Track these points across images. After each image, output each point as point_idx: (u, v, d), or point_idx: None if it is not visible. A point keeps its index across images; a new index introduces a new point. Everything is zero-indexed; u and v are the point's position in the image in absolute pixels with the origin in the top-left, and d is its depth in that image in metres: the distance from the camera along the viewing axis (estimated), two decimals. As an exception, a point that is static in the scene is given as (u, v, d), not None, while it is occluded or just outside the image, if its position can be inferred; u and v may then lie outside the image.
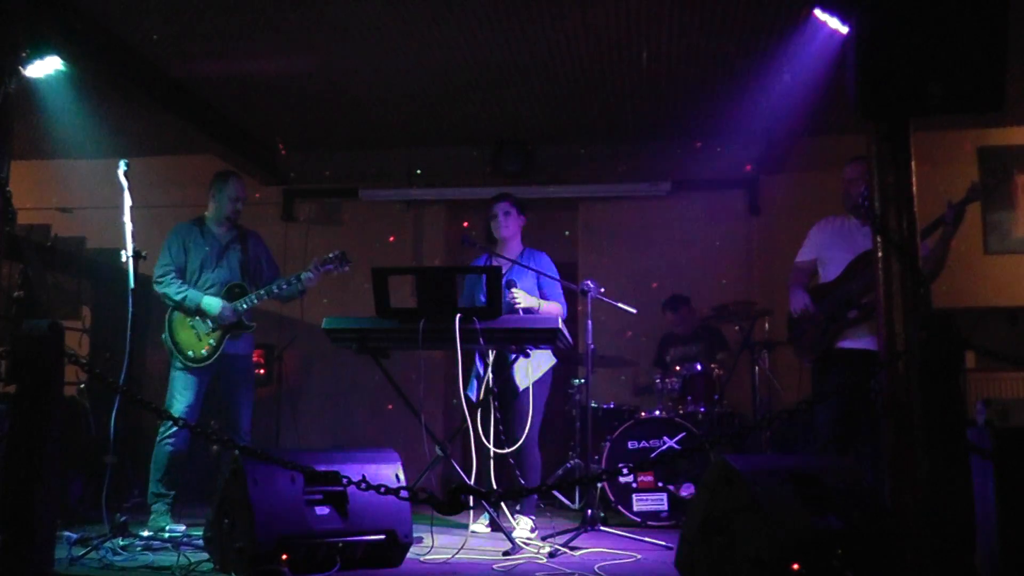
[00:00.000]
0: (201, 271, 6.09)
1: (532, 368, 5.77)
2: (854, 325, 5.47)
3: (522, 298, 5.72)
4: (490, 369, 5.60)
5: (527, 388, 5.71)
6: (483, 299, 5.67)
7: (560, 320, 4.99)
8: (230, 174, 6.36)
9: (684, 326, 8.09)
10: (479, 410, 5.59)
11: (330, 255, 6.06)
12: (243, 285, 6.07)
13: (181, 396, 5.91)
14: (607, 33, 6.71)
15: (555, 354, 5.90)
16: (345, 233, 9.38)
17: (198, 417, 6.02)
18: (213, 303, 5.95)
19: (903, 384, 3.82)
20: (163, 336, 6.02)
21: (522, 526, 5.66)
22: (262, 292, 6.00)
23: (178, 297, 5.97)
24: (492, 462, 5.49)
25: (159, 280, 6.04)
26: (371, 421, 8.78)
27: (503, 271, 5.80)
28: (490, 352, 5.61)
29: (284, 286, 6.03)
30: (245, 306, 5.99)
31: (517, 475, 5.64)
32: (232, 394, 6.09)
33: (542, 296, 5.91)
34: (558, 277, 5.99)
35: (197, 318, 5.97)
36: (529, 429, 5.68)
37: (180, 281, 6.03)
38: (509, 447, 5.57)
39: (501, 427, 5.57)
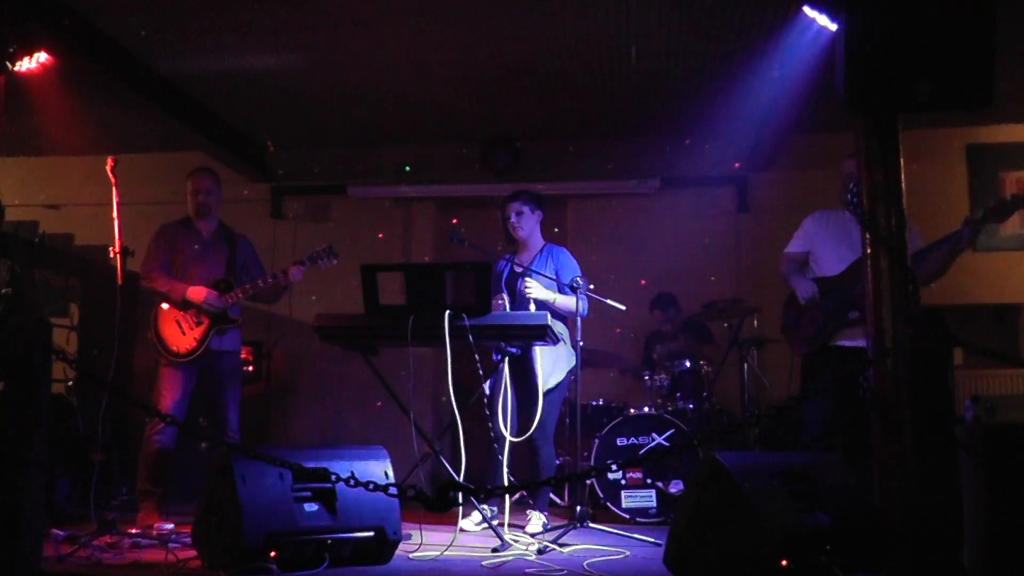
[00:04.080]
0: (187, 267, 6.12)
1: (556, 368, 5.79)
2: (853, 325, 5.46)
3: (535, 289, 5.72)
4: (506, 364, 5.61)
5: (549, 390, 5.73)
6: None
7: (549, 316, 5.00)
8: (194, 170, 6.42)
9: (672, 324, 8.11)
10: (493, 403, 5.61)
11: (317, 249, 6.09)
12: (229, 280, 6.07)
13: (168, 392, 5.92)
14: (596, 30, 6.71)
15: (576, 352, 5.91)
16: (334, 230, 9.35)
17: (186, 413, 6.02)
18: (197, 291, 5.97)
19: (891, 380, 3.83)
20: (148, 334, 6.03)
21: (534, 522, 5.67)
22: (248, 287, 6.01)
23: (164, 289, 6.00)
24: (506, 456, 5.49)
25: (146, 276, 6.08)
26: (360, 418, 8.76)
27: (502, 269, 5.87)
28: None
29: (270, 280, 6.02)
30: (230, 300, 5.99)
31: (507, 472, 5.64)
32: (219, 391, 6.09)
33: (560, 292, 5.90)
34: (576, 272, 5.97)
35: (182, 313, 6.00)
36: (544, 428, 5.71)
37: (166, 275, 6.07)
38: (522, 443, 5.63)
39: (517, 423, 5.63)
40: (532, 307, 5.70)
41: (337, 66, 7.40)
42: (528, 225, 6.06)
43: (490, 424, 5.55)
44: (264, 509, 3.97)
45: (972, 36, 3.82)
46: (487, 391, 5.80)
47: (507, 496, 5.39)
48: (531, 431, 5.62)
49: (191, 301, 5.97)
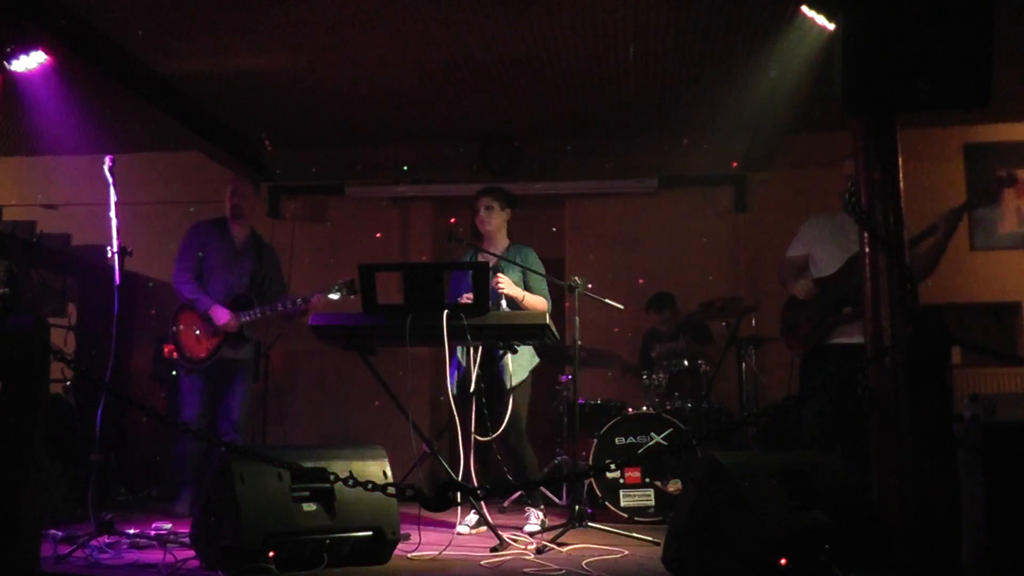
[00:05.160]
0: (213, 273, 6.37)
1: (518, 366, 5.79)
2: (848, 321, 5.48)
3: (506, 285, 5.71)
4: (477, 364, 5.60)
5: (513, 387, 5.73)
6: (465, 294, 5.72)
7: (548, 316, 4.99)
8: (234, 177, 6.79)
9: (668, 324, 8.10)
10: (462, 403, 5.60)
11: (339, 283, 6.24)
12: (250, 296, 6.22)
13: (189, 403, 6.25)
14: (594, 29, 6.71)
15: (538, 353, 5.94)
16: (332, 230, 9.36)
17: (210, 418, 6.29)
18: (220, 313, 6.19)
19: (890, 379, 3.83)
20: (171, 329, 6.34)
21: (532, 520, 5.70)
22: (267, 308, 6.18)
23: (192, 297, 6.26)
24: (473, 455, 5.50)
25: (177, 277, 6.35)
26: (358, 418, 8.75)
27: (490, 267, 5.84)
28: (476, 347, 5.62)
29: (289, 305, 6.22)
30: (247, 319, 6.23)
31: (505, 471, 5.64)
32: (226, 388, 6.32)
33: (527, 290, 5.89)
34: (543, 272, 5.98)
35: (201, 322, 6.25)
36: (517, 428, 5.71)
37: (196, 283, 6.30)
38: (494, 440, 5.62)
39: (489, 423, 5.59)
40: (504, 304, 5.69)
41: (335, 65, 7.39)
42: (496, 221, 6.04)
43: (490, 424, 5.56)
44: (262, 509, 3.96)
45: (970, 35, 3.82)
46: (453, 390, 5.80)
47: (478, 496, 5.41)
48: (501, 431, 5.63)
49: (212, 320, 6.19)
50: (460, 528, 5.55)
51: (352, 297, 6.15)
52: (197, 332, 6.20)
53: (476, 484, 5.45)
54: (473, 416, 5.55)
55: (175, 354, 6.33)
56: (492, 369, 5.69)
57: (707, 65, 7.33)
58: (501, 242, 6.08)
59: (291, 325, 8.35)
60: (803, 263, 5.86)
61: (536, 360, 5.99)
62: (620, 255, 8.97)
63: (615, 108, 8.35)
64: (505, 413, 5.65)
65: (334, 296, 6.19)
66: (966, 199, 5.27)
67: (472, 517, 5.65)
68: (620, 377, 8.25)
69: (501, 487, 4.83)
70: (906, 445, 3.63)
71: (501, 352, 5.46)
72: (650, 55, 7.15)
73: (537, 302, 5.83)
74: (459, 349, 5.84)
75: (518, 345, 5.33)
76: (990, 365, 7.66)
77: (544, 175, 9.12)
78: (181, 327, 6.27)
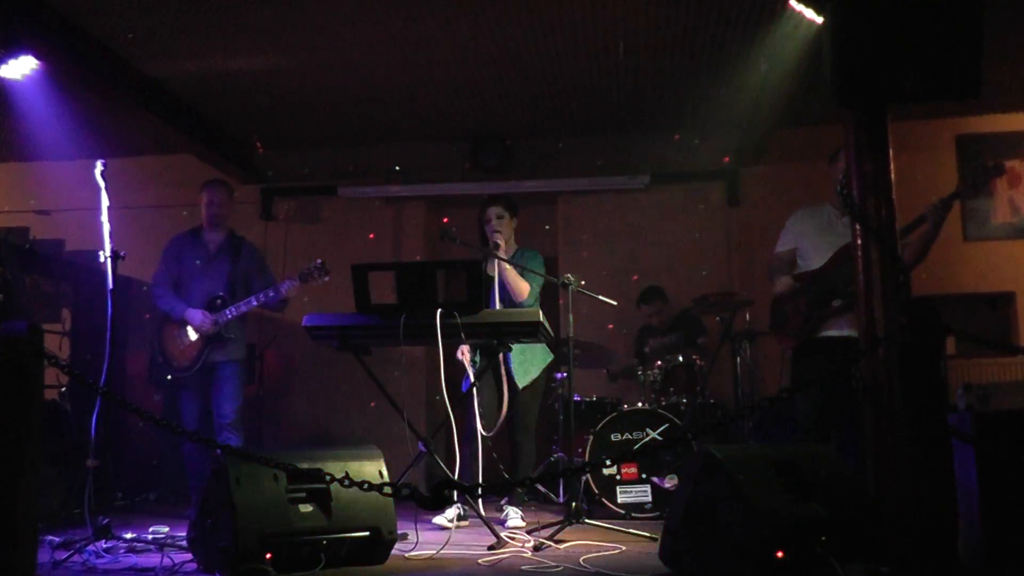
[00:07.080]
0: (190, 281, 6.36)
1: (530, 365, 5.84)
2: (837, 314, 5.48)
3: (502, 242, 5.94)
4: (480, 361, 5.63)
5: (527, 385, 5.79)
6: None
7: (540, 313, 5.00)
8: (207, 182, 6.63)
9: (659, 318, 8.10)
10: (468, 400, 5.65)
11: (310, 265, 6.21)
12: (224, 297, 6.20)
13: (187, 411, 6.30)
14: (584, 26, 6.71)
15: (552, 350, 5.99)
16: (324, 231, 9.35)
17: (208, 421, 6.29)
18: (194, 314, 6.19)
19: (884, 370, 3.83)
20: (154, 342, 6.37)
21: (512, 516, 5.76)
22: (242, 305, 6.14)
23: (166, 308, 6.28)
24: (480, 452, 5.55)
25: (154, 291, 6.38)
26: (353, 418, 8.75)
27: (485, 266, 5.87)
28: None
29: (262, 298, 6.17)
30: (224, 318, 6.20)
31: (501, 468, 5.66)
32: (216, 390, 6.28)
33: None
34: (542, 273, 6.04)
35: (181, 329, 6.25)
36: (526, 427, 5.79)
37: (170, 293, 6.32)
38: (507, 441, 5.69)
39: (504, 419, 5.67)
40: (526, 295, 5.77)
41: (326, 67, 7.39)
42: (507, 230, 6.16)
43: (486, 422, 5.61)
44: (259, 511, 3.96)
45: (959, 26, 3.82)
46: (464, 389, 5.87)
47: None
48: (511, 427, 5.70)
49: (188, 323, 6.21)
50: (436, 520, 5.64)
51: (326, 279, 6.18)
52: (178, 340, 6.25)
53: (479, 481, 5.49)
54: (476, 415, 5.59)
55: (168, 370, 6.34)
56: (497, 363, 5.73)
57: (697, 60, 7.34)
58: (510, 248, 6.17)
59: (286, 326, 8.37)
60: (791, 258, 5.86)
61: (550, 357, 6.08)
62: (613, 251, 8.98)
63: (606, 105, 8.35)
64: (521, 415, 5.75)
65: (305, 282, 6.19)
66: (954, 189, 5.26)
67: (452, 511, 5.68)
68: (615, 373, 8.24)
69: (497, 485, 4.83)
70: (900, 436, 3.63)
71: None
72: (640, 51, 7.15)
73: (522, 285, 5.94)
74: (476, 352, 5.91)
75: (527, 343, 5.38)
76: (984, 355, 7.67)
77: (536, 173, 9.12)
78: (164, 338, 6.31)
